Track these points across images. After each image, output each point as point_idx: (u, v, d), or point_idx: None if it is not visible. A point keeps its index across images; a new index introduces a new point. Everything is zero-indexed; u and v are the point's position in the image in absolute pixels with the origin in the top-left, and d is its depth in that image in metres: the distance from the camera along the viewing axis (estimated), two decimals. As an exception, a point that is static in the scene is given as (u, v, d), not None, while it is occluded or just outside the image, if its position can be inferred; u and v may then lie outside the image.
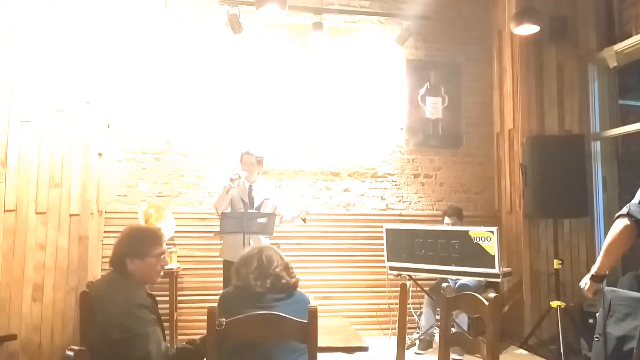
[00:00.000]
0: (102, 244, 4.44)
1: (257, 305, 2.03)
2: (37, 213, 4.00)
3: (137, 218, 4.30)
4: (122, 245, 2.25)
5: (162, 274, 2.31)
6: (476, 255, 3.88)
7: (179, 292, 4.51)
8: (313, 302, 2.15)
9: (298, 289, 2.19)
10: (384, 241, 4.35)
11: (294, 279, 2.18)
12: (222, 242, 4.11)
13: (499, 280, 3.92)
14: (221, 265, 4.07)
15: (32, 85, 4.08)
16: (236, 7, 4.69)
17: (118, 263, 2.22)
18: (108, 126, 4.52)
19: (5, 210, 3.94)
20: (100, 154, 4.33)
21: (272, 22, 4.91)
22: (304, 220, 4.17)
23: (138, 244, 2.23)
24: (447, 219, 4.59)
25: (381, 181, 5.15)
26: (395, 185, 5.18)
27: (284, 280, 2.13)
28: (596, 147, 4.85)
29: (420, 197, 5.21)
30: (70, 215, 4.07)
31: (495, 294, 2.04)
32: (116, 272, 2.23)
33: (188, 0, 4.88)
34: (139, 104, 4.76)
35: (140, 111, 4.76)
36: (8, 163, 3.98)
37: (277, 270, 2.14)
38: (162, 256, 2.28)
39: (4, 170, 3.97)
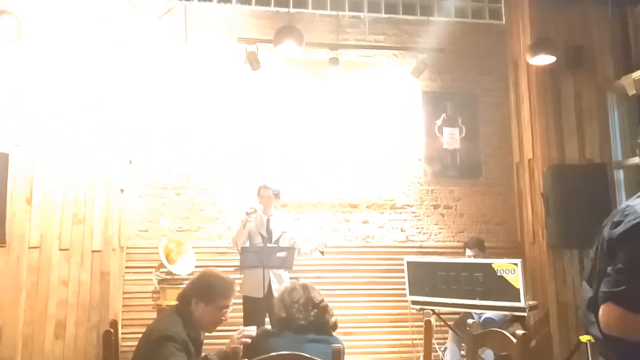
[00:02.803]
0: (124, 280, 4.46)
1: (292, 346, 1.96)
2: (60, 249, 4.05)
3: (158, 253, 4.32)
4: (194, 285, 2.33)
5: (218, 326, 2.33)
6: (500, 288, 3.79)
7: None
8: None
9: (335, 334, 2.16)
10: (405, 274, 4.28)
11: (334, 319, 2.18)
12: (242, 277, 4.10)
13: (525, 314, 3.81)
14: (241, 301, 4.04)
15: (55, 124, 4.19)
16: (254, 45, 4.81)
17: (184, 300, 2.28)
18: (130, 162, 4.61)
19: (29, 247, 4.00)
20: (122, 190, 4.40)
21: (289, 59, 5.00)
22: (322, 252, 4.15)
23: (209, 289, 2.28)
24: (468, 251, 4.52)
25: (400, 212, 5.11)
26: (415, 216, 5.14)
27: (327, 315, 2.14)
28: (619, 175, 4.78)
29: (441, 229, 5.15)
30: (93, 251, 4.11)
31: (523, 331, 1.99)
32: (177, 308, 2.28)
33: (207, 37, 5.02)
34: (160, 140, 4.84)
35: (161, 146, 4.84)
36: (33, 200, 4.06)
37: (322, 305, 2.15)
38: (225, 310, 2.30)
39: (29, 207, 4.05)
